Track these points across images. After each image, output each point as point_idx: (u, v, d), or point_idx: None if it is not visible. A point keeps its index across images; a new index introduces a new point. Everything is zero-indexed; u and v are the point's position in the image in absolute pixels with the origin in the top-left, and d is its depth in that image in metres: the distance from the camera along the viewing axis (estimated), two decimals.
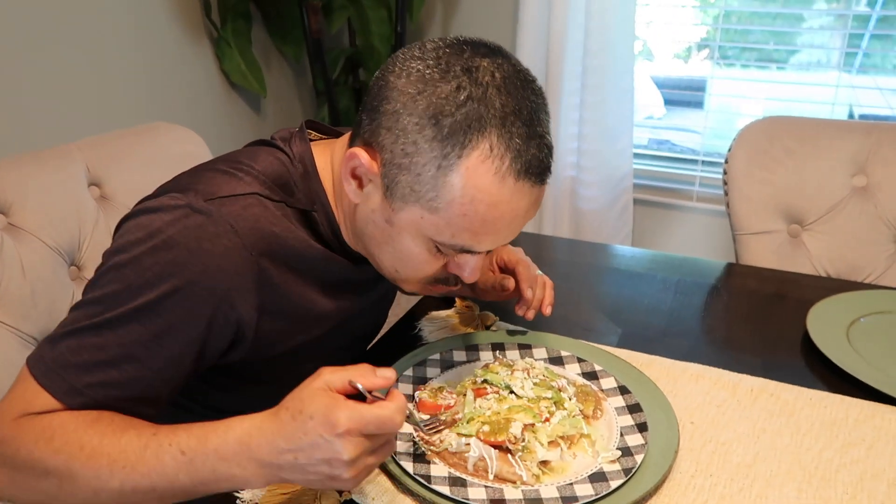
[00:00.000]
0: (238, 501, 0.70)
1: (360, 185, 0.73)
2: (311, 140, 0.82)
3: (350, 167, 0.72)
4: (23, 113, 1.51)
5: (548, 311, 0.94)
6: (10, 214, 1.00)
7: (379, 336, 1.03)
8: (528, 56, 2.11)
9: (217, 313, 0.70)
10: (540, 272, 0.98)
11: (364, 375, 0.60)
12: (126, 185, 1.15)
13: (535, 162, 0.66)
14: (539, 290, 0.95)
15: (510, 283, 0.93)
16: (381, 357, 0.93)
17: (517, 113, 0.65)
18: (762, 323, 1.06)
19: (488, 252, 0.77)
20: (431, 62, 0.66)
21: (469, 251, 0.71)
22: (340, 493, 0.70)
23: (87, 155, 1.13)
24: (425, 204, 0.67)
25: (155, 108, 1.83)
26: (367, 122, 0.71)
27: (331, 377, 0.59)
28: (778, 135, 1.34)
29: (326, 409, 0.57)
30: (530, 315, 0.94)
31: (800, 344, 1.00)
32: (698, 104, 2.28)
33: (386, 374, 0.61)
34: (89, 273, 1.09)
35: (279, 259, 0.75)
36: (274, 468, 0.59)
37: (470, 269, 0.75)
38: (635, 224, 2.29)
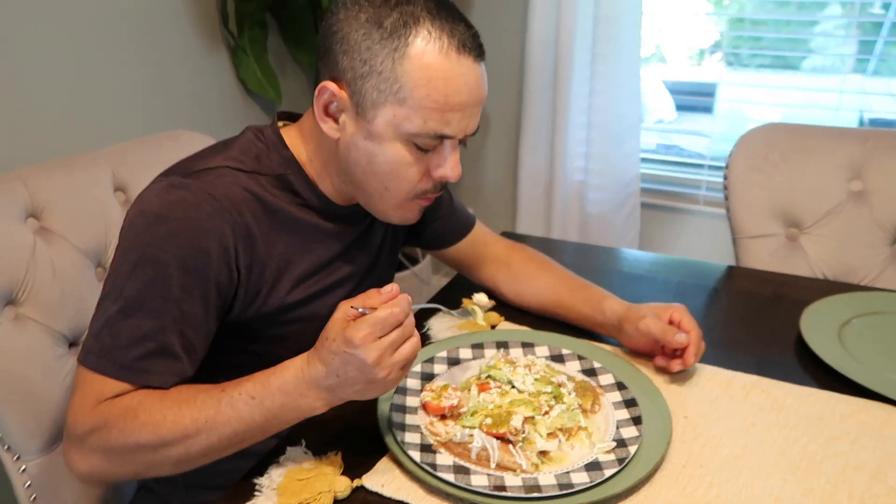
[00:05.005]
0: (257, 487, 0.75)
1: (336, 121, 0.82)
2: (283, 126, 0.92)
3: (322, 104, 0.82)
4: (50, 120, 1.58)
5: (691, 363, 0.93)
6: (41, 218, 1.06)
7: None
8: (537, 61, 2.15)
9: (214, 269, 0.79)
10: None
11: (368, 297, 0.71)
12: None
13: (467, 39, 0.78)
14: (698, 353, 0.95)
15: (682, 338, 0.92)
16: None
17: (439, 7, 0.78)
18: (758, 323, 1.10)
19: (462, 141, 0.84)
20: None
21: (442, 136, 0.79)
22: (352, 478, 0.75)
23: (113, 161, 1.19)
24: (393, 99, 0.77)
25: (174, 115, 1.89)
26: (322, 64, 0.82)
27: (347, 307, 0.71)
28: (776, 141, 1.38)
29: (342, 331, 0.68)
30: (674, 367, 0.94)
31: (793, 343, 1.04)
32: (708, 109, 2.32)
33: (385, 290, 0.71)
34: None
35: (258, 217, 0.84)
36: (328, 391, 0.71)
37: (450, 163, 0.82)
38: (642, 227, 2.32)
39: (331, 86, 0.80)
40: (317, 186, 0.89)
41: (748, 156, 1.38)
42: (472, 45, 0.78)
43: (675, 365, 0.93)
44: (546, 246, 1.51)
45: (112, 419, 0.73)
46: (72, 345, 1.07)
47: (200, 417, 0.71)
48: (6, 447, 1.00)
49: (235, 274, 0.82)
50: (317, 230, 0.90)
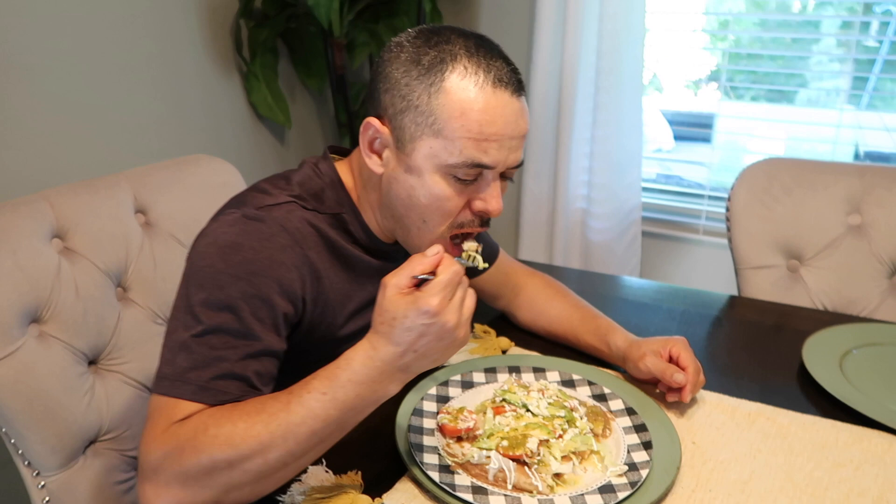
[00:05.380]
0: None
1: (380, 156, 0.85)
2: (335, 160, 0.95)
3: (367, 140, 0.85)
4: (72, 142, 1.61)
5: (687, 398, 0.96)
6: (66, 239, 1.09)
7: None
8: (542, 92, 2.21)
9: (284, 299, 0.80)
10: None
11: (419, 264, 0.71)
12: (169, 212, 1.24)
13: (504, 74, 0.80)
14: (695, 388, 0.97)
15: (680, 378, 0.94)
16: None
17: (478, 46, 0.81)
18: (761, 352, 1.13)
19: (505, 176, 0.85)
20: (411, 36, 0.83)
21: (480, 164, 0.80)
22: (373, 497, 0.77)
23: (135, 184, 1.22)
24: (429, 131, 0.80)
25: (187, 137, 1.93)
26: (368, 103, 0.86)
27: (396, 280, 0.70)
28: (777, 175, 1.43)
29: (413, 305, 0.69)
30: (670, 398, 0.97)
31: (796, 372, 1.07)
32: (706, 139, 2.37)
33: (433, 252, 0.71)
34: (135, 294, 1.17)
35: (321, 253, 0.86)
36: (402, 370, 0.71)
37: (490, 196, 0.83)
38: (643, 255, 2.36)
39: (374, 122, 0.84)
40: (367, 225, 0.91)
41: (750, 189, 1.43)
42: (510, 81, 0.80)
43: (672, 397, 0.96)
44: (556, 274, 1.54)
45: (183, 439, 0.70)
46: (91, 363, 1.09)
47: (273, 423, 0.69)
48: (26, 462, 1.01)
49: (301, 305, 0.84)
50: (367, 267, 0.93)
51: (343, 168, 0.93)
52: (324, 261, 0.87)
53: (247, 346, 0.76)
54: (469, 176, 0.81)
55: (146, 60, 1.77)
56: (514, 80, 0.81)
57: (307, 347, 0.88)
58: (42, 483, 1.02)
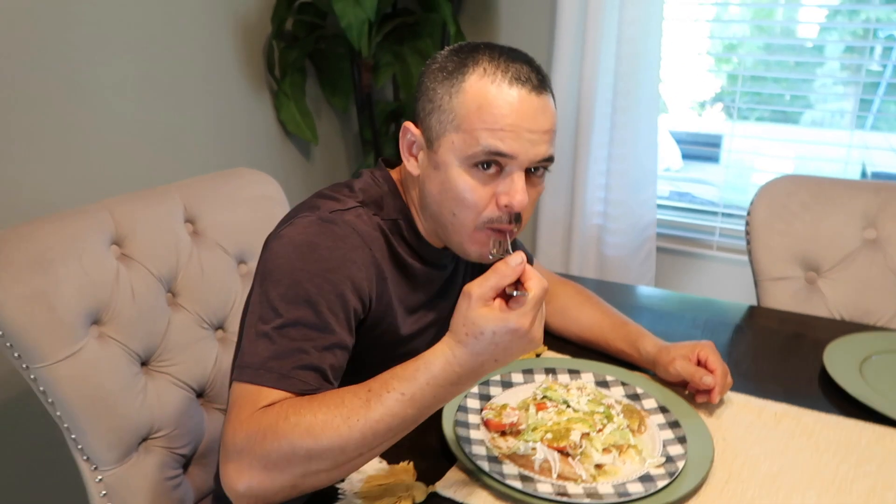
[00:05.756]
0: (340, 492, 0.83)
1: (416, 159, 0.92)
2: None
3: (406, 144, 0.92)
4: (122, 154, 1.70)
5: (716, 399, 1.01)
6: (123, 246, 1.15)
7: None
8: (560, 112, 2.28)
9: (354, 296, 0.86)
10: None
11: (505, 276, 0.71)
12: (216, 222, 1.30)
13: (523, 73, 0.84)
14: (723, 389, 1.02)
15: (709, 381, 0.99)
16: None
17: (503, 53, 0.86)
18: (783, 358, 1.18)
19: (534, 175, 0.88)
20: (447, 51, 0.90)
21: (498, 152, 0.83)
22: (427, 484, 0.83)
23: (184, 194, 1.28)
24: (450, 127, 0.86)
25: (223, 152, 2.01)
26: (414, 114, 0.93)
27: (481, 292, 0.71)
28: (795, 191, 1.49)
29: (503, 322, 0.70)
30: (700, 399, 1.02)
31: (817, 377, 1.12)
32: (714, 158, 2.43)
33: (517, 261, 0.72)
34: (183, 299, 1.22)
35: (384, 255, 0.92)
36: (478, 374, 0.74)
37: (513, 189, 0.85)
38: (658, 270, 2.41)
39: (410, 126, 0.91)
40: (419, 231, 0.97)
41: (769, 204, 1.49)
42: (528, 79, 0.84)
43: (701, 398, 1.01)
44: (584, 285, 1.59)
45: (265, 425, 0.73)
46: (143, 364, 1.15)
47: (353, 417, 0.72)
48: (85, 457, 1.07)
49: (368, 302, 0.89)
50: (419, 273, 0.98)
51: (396, 177, 0.99)
52: (386, 263, 0.93)
53: (323, 339, 0.82)
54: (489, 161, 0.85)
55: (189, 81, 1.86)
56: (535, 79, 0.85)
57: (366, 346, 0.93)
58: (99, 477, 1.07)
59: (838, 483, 0.86)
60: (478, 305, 0.71)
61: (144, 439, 1.13)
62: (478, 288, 0.71)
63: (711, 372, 1.00)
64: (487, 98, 0.83)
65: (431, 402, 0.74)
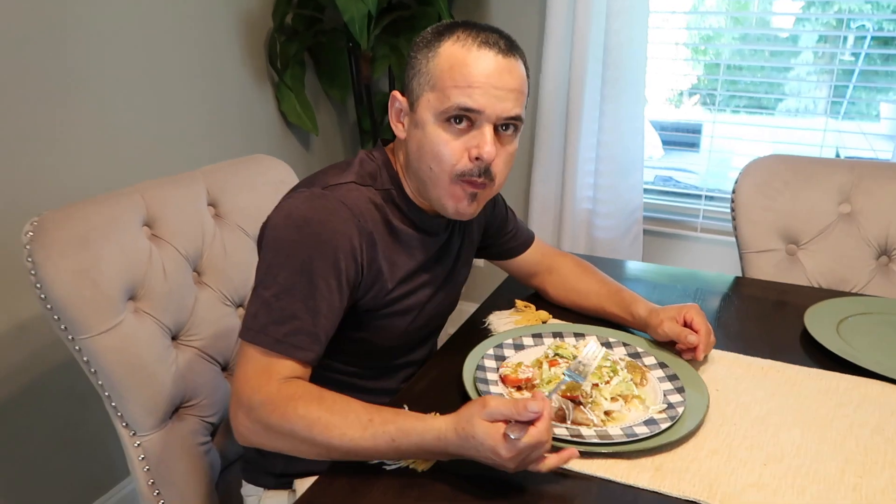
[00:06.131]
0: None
1: (403, 124, 1.01)
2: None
3: (394, 111, 1.01)
4: (137, 143, 1.78)
5: (700, 356, 1.10)
6: (154, 227, 1.22)
7: (455, 330, 1.25)
8: (550, 101, 2.37)
9: (346, 264, 0.95)
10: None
11: (520, 415, 0.78)
12: (236, 205, 1.37)
13: (491, 39, 0.93)
14: (707, 347, 1.12)
15: (693, 339, 1.09)
16: (462, 345, 1.15)
17: (476, 24, 0.96)
18: (768, 322, 1.29)
19: (503, 132, 0.96)
20: (431, 27, 0.99)
21: (467, 108, 0.92)
22: None
23: (208, 180, 1.35)
24: (427, 87, 0.95)
25: (228, 142, 2.08)
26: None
27: (493, 411, 0.79)
28: (777, 170, 1.60)
29: (492, 442, 0.78)
30: (686, 357, 1.11)
31: (799, 337, 1.23)
32: (694, 145, 2.54)
33: (535, 408, 0.78)
34: (208, 278, 1.30)
35: (376, 224, 1.01)
36: (456, 456, 0.83)
37: (485, 142, 0.93)
38: (645, 251, 2.52)
39: (396, 94, 1.01)
40: (410, 199, 1.06)
41: (753, 182, 1.59)
42: (496, 43, 0.93)
43: (687, 356, 1.11)
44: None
45: (278, 403, 0.86)
46: (173, 338, 1.22)
47: (347, 434, 0.83)
48: (124, 424, 1.14)
49: (361, 269, 0.98)
50: (412, 238, 1.07)
51: (389, 153, 1.08)
52: (378, 231, 1.01)
53: (315, 305, 0.92)
54: (461, 122, 0.93)
55: (195, 74, 1.93)
56: (503, 44, 0.94)
57: (366, 307, 1.02)
58: (138, 442, 1.14)
59: (819, 422, 0.96)
60: (484, 420, 0.79)
61: (177, 408, 1.21)
62: (494, 406, 0.79)
63: (696, 332, 1.10)
64: (458, 59, 0.93)
65: (411, 455, 0.86)
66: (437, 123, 0.95)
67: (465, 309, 1.33)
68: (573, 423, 0.92)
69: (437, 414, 0.85)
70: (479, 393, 0.98)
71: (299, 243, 0.93)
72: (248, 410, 0.88)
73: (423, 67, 0.95)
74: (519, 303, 1.30)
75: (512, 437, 0.77)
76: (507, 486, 0.83)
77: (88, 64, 1.65)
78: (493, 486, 0.83)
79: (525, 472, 0.82)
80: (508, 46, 0.95)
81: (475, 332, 1.23)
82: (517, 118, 0.96)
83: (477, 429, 0.79)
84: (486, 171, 0.95)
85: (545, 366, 1.02)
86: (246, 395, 0.88)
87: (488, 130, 0.94)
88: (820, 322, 1.24)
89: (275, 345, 0.90)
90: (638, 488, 0.83)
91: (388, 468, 0.87)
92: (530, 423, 0.78)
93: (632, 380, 1.01)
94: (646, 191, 2.52)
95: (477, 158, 0.94)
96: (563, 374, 0.96)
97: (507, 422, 0.79)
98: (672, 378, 1.03)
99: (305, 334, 0.92)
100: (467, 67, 0.92)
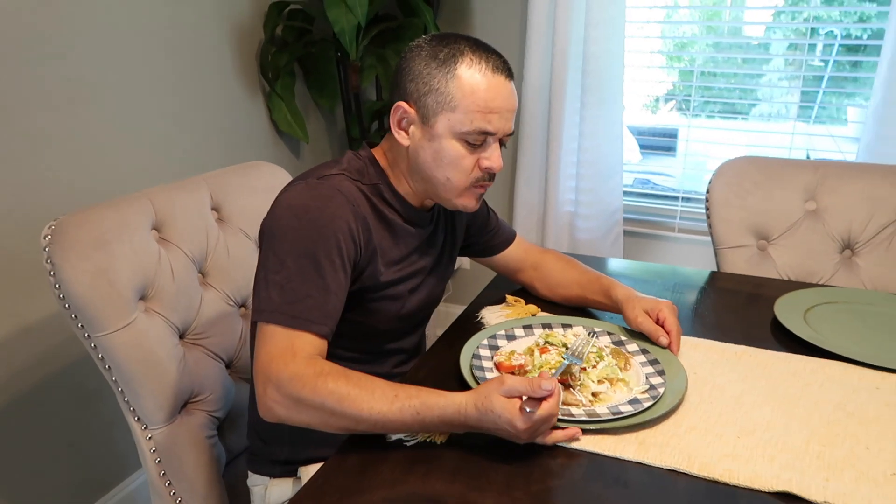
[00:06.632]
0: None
1: (406, 132, 1.09)
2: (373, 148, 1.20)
3: (396, 119, 1.09)
4: (133, 153, 1.83)
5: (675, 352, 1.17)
6: (161, 231, 1.28)
7: (448, 326, 1.33)
8: (532, 107, 2.46)
9: (346, 245, 1.03)
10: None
11: (534, 392, 0.88)
12: (238, 209, 1.43)
13: (499, 64, 1.06)
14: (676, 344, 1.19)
15: (665, 341, 1.17)
16: (456, 338, 1.23)
17: (477, 44, 1.06)
18: (741, 312, 1.38)
19: (502, 142, 1.10)
20: (427, 40, 1.08)
21: (485, 132, 1.04)
22: None
23: (211, 185, 1.42)
24: (448, 107, 1.04)
25: (223, 150, 2.14)
26: (394, 93, 1.10)
27: (511, 387, 0.88)
28: (748, 170, 1.70)
29: (508, 415, 0.87)
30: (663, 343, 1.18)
31: (769, 325, 1.32)
32: (671, 149, 2.64)
33: (549, 386, 0.88)
34: (213, 279, 1.36)
35: (368, 210, 1.10)
36: (475, 429, 0.91)
37: (494, 156, 1.07)
38: (625, 252, 2.62)
39: (402, 104, 1.08)
40: (399, 194, 1.15)
41: (726, 182, 1.69)
42: (503, 68, 1.06)
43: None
44: None
45: (307, 378, 0.92)
46: (181, 337, 1.28)
47: (374, 409, 0.90)
48: (136, 418, 1.20)
49: (359, 248, 1.07)
50: (400, 228, 1.15)
51: (377, 153, 1.17)
52: (370, 216, 1.10)
53: (324, 284, 1.00)
54: (477, 141, 1.06)
55: (191, 85, 2.00)
56: (507, 68, 1.07)
57: (360, 288, 1.10)
58: (150, 435, 1.20)
59: (787, 400, 1.05)
60: (502, 395, 0.88)
61: (186, 403, 1.27)
62: (511, 384, 0.89)
63: (668, 332, 1.18)
64: (478, 84, 1.03)
65: (433, 428, 0.93)
66: (454, 139, 1.05)
67: (453, 311, 1.40)
68: (563, 403, 1.00)
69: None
70: (475, 379, 1.05)
71: (301, 229, 1.01)
72: (278, 385, 0.94)
73: (442, 87, 1.04)
74: (509, 297, 1.38)
75: (528, 410, 0.86)
76: (505, 461, 0.90)
77: (91, 77, 1.72)
78: (492, 462, 0.91)
79: (521, 448, 0.90)
80: (510, 69, 1.08)
81: (469, 325, 1.30)
82: (512, 133, 1.11)
83: (495, 403, 0.87)
84: (492, 176, 1.11)
85: (536, 353, 1.10)
86: (274, 371, 0.94)
87: (497, 146, 1.09)
88: (789, 311, 1.33)
89: (292, 321, 0.97)
90: (624, 460, 0.91)
91: (408, 444, 0.95)
92: (542, 399, 0.88)
93: (616, 364, 1.09)
94: (625, 193, 2.62)
95: (487, 169, 1.08)
96: (563, 357, 1.04)
97: (521, 398, 0.88)
98: (653, 363, 1.12)
99: (319, 310, 0.99)
100: (488, 94, 1.04)
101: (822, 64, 2.31)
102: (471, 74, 1.03)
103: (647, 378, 1.08)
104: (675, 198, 2.59)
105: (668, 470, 0.89)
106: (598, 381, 1.04)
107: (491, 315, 1.33)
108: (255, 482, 1.27)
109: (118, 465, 1.92)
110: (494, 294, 1.44)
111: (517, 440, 0.90)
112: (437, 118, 1.05)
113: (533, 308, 1.34)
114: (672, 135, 2.62)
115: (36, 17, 1.58)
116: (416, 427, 0.92)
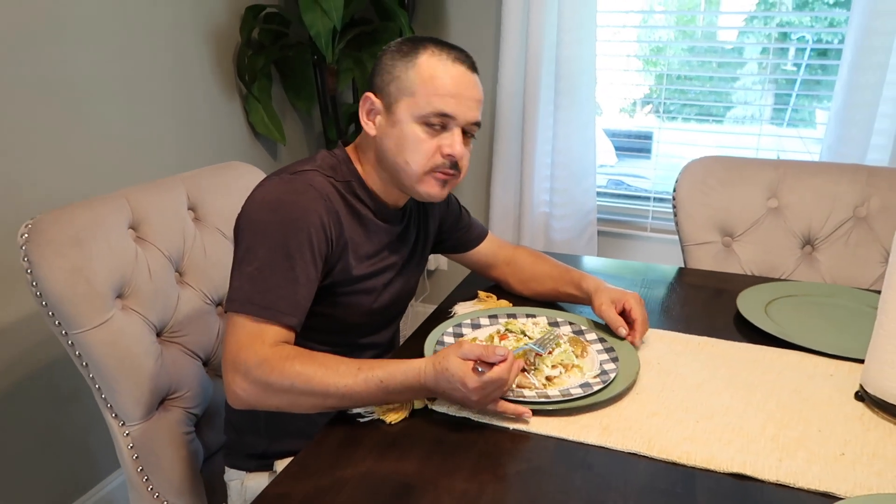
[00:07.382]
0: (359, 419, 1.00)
1: (374, 122, 1.13)
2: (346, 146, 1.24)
3: (365, 110, 1.14)
4: (110, 151, 1.84)
5: (637, 343, 1.21)
6: (138, 230, 1.29)
7: (421, 322, 1.36)
8: (507, 110, 2.50)
9: (317, 238, 1.06)
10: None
11: (488, 357, 0.93)
12: (214, 209, 1.45)
13: (461, 55, 1.11)
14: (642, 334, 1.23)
15: (623, 332, 1.20)
16: (428, 333, 1.24)
17: (443, 41, 1.12)
18: (706, 306, 1.43)
19: (468, 133, 1.13)
20: (399, 40, 1.14)
21: (444, 114, 1.08)
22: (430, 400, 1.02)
23: (188, 184, 1.43)
24: (407, 92, 1.08)
25: (200, 152, 2.16)
26: (367, 88, 1.15)
27: (467, 351, 0.94)
28: (713, 169, 1.75)
29: (462, 375, 0.93)
30: (627, 336, 1.21)
31: (732, 318, 1.36)
32: (646, 151, 2.70)
33: (503, 353, 0.94)
34: (190, 278, 1.38)
35: (340, 205, 1.13)
36: (434, 392, 0.97)
37: (456, 142, 1.10)
38: (599, 251, 2.67)
39: (370, 95, 1.13)
40: (371, 191, 1.18)
41: (691, 181, 1.74)
42: (465, 60, 1.11)
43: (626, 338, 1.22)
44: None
45: (274, 362, 0.96)
46: (158, 335, 1.30)
47: (341, 384, 0.95)
48: (114, 415, 1.22)
49: (331, 242, 1.09)
50: (372, 224, 1.18)
51: (350, 151, 1.21)
52: (343, 211, 1.13)
53: (294, 276, 1.03)
54: (437, 123, 1.09)
55: (168, 87, 2.01)
56: (470, 61, 1.12)
57: (332, 282, 1.13)
58: (127, 432, 1.22)
59: (746, 387, 1.09)
60: (458, 358, 0.94)
61: (164, 399, 1.28)
62: (468, 347, 0.95)
63: (634, 320, 1.21)
64: (435, 70, 1.08)
65: (397, 396, 0.99)
66: (414, 123, 1.09)
67: (430, 311, 1.43)
68: (518, 386, 1.04)
69: None
70: None
71: (274, 223, 1.04)
72: (246, 372, 0.97)
73: (402, 75, 1.09)
74: (482, 293, 1.41)
75: (479, 370, 0.92)
76: (474, 445, 0.94)
77: (68, 78, 1.73)
78: (462, 447, 0.94)
79: (489, 433, 0.94)
80: (473, 64, 1.13)
81: (442, 320, 1.33)
82: (478, 124, 1.14)
83: (451, 363, 0.93)
84: (455, 165, 1.13)
85: (496, 340, 1.14)
86: (242, 359, 0.98)
87: (458, 133, 1.11)
88: (751, 304, 1.38)
89: (261, 312, 1.00)
90: (588, 444, 0.95)
91: (362, 420, 0.99)
92: (496, 364, 0.93)
93: (573, 352, 1.13)
94: (599, 194, 2.67)
95: (448, 155, 1.10)
96: (528, 344, 1.09)
97: (476, 361, 0.93)
98: (609, 350, 1.16)
99: (288, 301, 1.02)
100: (444, 78, 1.08)
101: (794, 68, 2.37)
102: (430, 62, 1.08)
103: (601, 365, 1.12)
104: (648, 198, 2.65)
105: (630, 453, 0.93)
106: (553, 366, 1.08)
107: (463, 310, 1.36)
108: (232, 477, 1.29)
109: (95, 466, 1.92)
110: (468, 291, 1.47)
111: (469, 404, 0.95)
112: (399, 104, 1.09)
113: (504, 303, 1.38)
114: (648, 137, 2.68)
115: (9, 18, 1.59)
116: (381, 396, 0.97)
